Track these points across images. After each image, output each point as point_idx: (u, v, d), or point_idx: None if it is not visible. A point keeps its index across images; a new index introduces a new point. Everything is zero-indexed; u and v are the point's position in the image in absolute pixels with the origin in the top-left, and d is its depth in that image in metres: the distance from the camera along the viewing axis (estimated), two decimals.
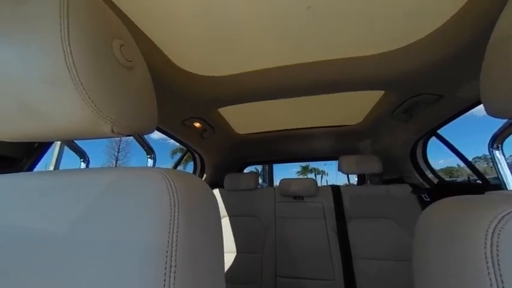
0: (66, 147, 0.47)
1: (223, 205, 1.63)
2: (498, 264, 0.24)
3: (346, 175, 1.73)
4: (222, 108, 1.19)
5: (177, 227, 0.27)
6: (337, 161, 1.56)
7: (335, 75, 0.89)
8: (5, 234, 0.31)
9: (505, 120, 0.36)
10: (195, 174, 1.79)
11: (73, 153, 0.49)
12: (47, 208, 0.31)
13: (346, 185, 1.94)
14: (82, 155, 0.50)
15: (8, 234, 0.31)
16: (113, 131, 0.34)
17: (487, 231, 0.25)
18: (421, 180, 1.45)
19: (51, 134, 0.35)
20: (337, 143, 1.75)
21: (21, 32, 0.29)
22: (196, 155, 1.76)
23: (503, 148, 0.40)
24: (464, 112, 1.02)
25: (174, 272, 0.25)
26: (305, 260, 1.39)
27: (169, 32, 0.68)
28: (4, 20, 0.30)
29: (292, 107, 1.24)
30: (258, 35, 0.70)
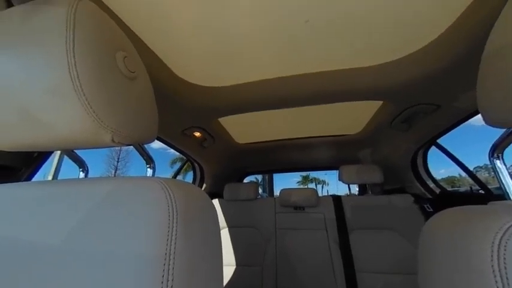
0: (65, 157, 0.47)
1: (222, 216, 1.60)
2: (507, 278, 0.23)
3: (347, 185, 1.71)
4: (222, 118, 1.20)
5: (175, 238, 0.26)
6: (337, 171, 1.55)
7: (334, 86, 0.90)
8: (2, 245, 0.30)
9: (504, 129, 0.36)
10: (194, 184, 1.77)
11: (72, 163, 0.49)
12: (44, 218, 0.31)
13: (347, 195, 1.92)
14: (81, 164, 0.49)
15: (5, 245, 0.30)
16: (113, 141, 0.34)
17: (493, 243, 0.24)
18: (422, 190, 1.43)
19: (52, 143, 0.35)
20: (337, 153, 1.75)
21: (27, 44, 0.30)
22: (196, 165, 1.75)
23: (504, 157, 0.40)
24: (463, 122, 1.02)
25: (171, 286, 0.24)
26: (307, 273, 1.35)
27: (171, 44, 0.70)
28: (11, 33, 0.31)
29: (292, 116, 1.25)
30: (258, 47, 0.72)
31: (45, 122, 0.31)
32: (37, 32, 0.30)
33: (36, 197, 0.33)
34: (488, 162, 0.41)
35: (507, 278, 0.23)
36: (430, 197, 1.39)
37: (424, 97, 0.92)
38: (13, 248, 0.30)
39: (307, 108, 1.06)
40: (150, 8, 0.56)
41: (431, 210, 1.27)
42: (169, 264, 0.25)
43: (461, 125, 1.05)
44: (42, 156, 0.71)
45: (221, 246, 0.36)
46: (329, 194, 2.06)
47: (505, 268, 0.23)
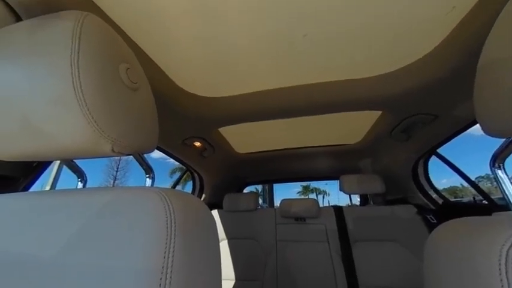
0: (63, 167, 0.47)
1: (221, 227, 1.57)
2: None
3: (348, 195, 1.69)
4: (222, 128, 1.21)
5: (173, 251, 0.26)
6: (338, 181, 1.53)
7: (332, 97, 0.92)
8: None
9: (503, 139, 0.36)
10: (193, 194, 1.75)
11: (69, 172, 0.48)
12: (42, 229, 0.30)
13: (349, 206, 1.89)
14: (80, 174, 0.49)
15: (1, 257, 0.29)
16: (113, 150, 0.34)
17: (500, 256, 0.24)
18: (425, 200, 1.41)
19: (52, 153, 0.35)
20: (337, 162, 1.75)
21: (33, 56, 0.30)
22: (196, 175, 1.74)
23: (506, 167, 0.40)
24: (462, 131, 1.03)
25: None
26: (309, 287, 1.30)
27: (172, 56, 0.72)
28: (19, 45, 0.32)
29: (292, 126, 1.26)
30: (257, 58, 0.74)
31: (47, 132, 0.31)
32: (43, 44, 0.30)
33: (33, 208, 0.33)
34: (489, 172, 0.41)
35: None
36: (433, 207, 1.36)
37: (422, 107, 0.93)
38: (9, 259, 0.29)
39: (307, 118, 1.07)
40: (153, 22, 0.58)
41: (434, 221, 1.25)
42: (166, 279, 0.24)
43: (460, 135, 1.05)
44: (41, 166, 0.71)
45: (220, 259, 0.35)
46: (330, 204, 2.03)
47: None
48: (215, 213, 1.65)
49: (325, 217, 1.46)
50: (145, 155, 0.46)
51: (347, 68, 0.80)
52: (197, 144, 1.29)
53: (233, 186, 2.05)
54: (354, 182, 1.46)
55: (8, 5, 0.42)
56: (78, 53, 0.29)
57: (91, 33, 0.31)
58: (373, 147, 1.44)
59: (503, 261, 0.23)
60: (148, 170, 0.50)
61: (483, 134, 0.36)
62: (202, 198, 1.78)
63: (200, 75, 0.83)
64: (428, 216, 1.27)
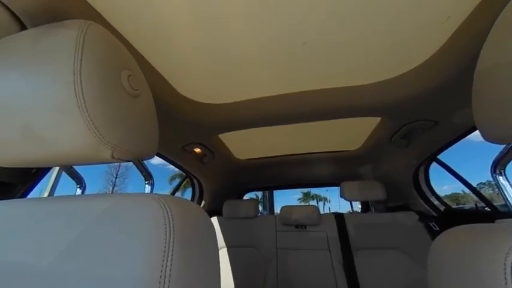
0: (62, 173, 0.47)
1: (221, 235, 1.55)
2: None
3: (349, 202, 1.67)
4: (222, 134, 1.21)
5: (171, 259, 0.25)
6: (338, 187, 1.52)
7: (332, 103, 0.92)
8: None
9: (503, 145, 0.36)
10: (193, 200, 1.74)
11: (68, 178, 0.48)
12: (39, 236, 0.30)
13: (350, 213, 1.87)
14: (79, 180, 0.49)
15: None
16: (113, 156, 0.34)
17: (505, 264, 0.23)
18: (427, 207, 1.40)
19: (52, 159, 0.35)
20: (337, 169, 1.74)
21: (36, 63, 0.31)
22: (195, 181, 1.73)
23: (506, 173, 0.39)
24: (462, 137, 1.03)
25: None
26: None
27: (174, 63, 0.73)
28: (23, 54, 0.32)
29: (292, 132, 1.26)
30: (257, 66, 0.75)
31: (48, 138, 0.31)
32: (47, 52, 0.31)
33: (31, 215, 0.32)
34: (490, 179, 0.41)
35: None
36: (435, 214, 1.35)
37: (422, 113, 0.94)
38: (6, 267, 0.28)
39: (307, 124, 1.07)
40: (156, 32, 0.59)
41: (437, 228, 1.23)
42: None
43: (460, 141, 1.05)
44: (40, 173, 0.71)
45: (219, 268, 0.34)
46: (331, 211, 2.01)
47: None
48: (214, 220, 1.63)
49: (326, 224, 1.44)
50: (145, 162, 0.46)
51: (346, 75, 0.81)
52: (197, 150, 1.29)
53: (233, 192, 2.03)
54: (354, 188, 1.45)
55: (13, 14, 0.43)
56: (81, 60, 0.29)
57: (94, 42, 0.32)
58: (373, 153, 1.43)
59: (508, 270, 0.23)
60: (148, 176, 0.49)
61: (483, 140, 0.36)
62: (201, 205, 1.76)
63: (201, 83, 0.84)
64: (430, 224, 1.26)
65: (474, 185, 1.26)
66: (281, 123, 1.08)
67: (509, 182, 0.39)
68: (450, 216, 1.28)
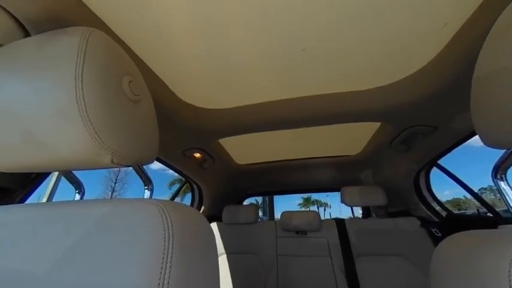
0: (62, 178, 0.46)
1: (220, 241, 1.53)
2: None
3: (350, 207, 1.66)
4: (222, 139, 1.21)
5: (170, 266, 0.25)
6: (339, 193, 1.51)
7: (331, 108, 0.93)
8: None
9: (503, 150, 0.36)
10: (192, 206, 1.72)
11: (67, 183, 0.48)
12: (37, 242, 0.29)
13: (351, 219, 1.85)
14: (78, 185, 0.48)
15: None
16: (112, 162, 0.34)
17: (510, 271, 0.23)
18: (428, 212, 1.38)
19: (52, 164, 0.35)
20: (338, 174, 1.73)
21: (39, 69, 0.31)
22: (195, 186, 1.72)
23: (507, 178, 0.39)
24: (462, 142, 1.03)
25: None
26: None
27: (175, 70, 0.74)
28: (26, 60, 0.33)
29: (292, 137, 1.26)
30: (257, 72, 0.76)
31: (48, 144, 0.31)
32: (49, 58, 0.31)
33: (29, 220, 0.32)
34: (492, 184, 0.41)
35: None
36: (437, 220, 1.34)
37: (421, 119, 0.94)
38: (3, 274, 0.28)
39: (306, 129, 1.07)
40: (157, 38, 0.60)
41: (439, 234, 1.22)
42: None
43: (459, 146, 1.05)
44: (39, 178, 0.70)
45: (219, 274, 0.34)
46: (331, 217, 1.99)
47: None
48: (214, 226, 1.61)
49: (327, 230, 1.42)
50: (144, 167, 0.46)
51: (345, 81, 0.81)
52: (197, 155, 1.29)
53: (233, 198, 2.02)
54: (355, 194, 1.44)
55: (17, 20, 0.44)
56: (83, 66, 0.30)
57: (96, 48, 0.32)
58: (373, 158, 1.43)
59: None
60: (147, 181, 0.49)
61: (482, 145, 0.36)
62: (201, 210, 1.75)
63: (202, 88, 0.84)
64: (432, 229, 1.24)
65: (475, 190, 1.26)
66: (281, 128, 1.08)
67: (510, 187, 0.39)
68: (452, 221, 1.26)
